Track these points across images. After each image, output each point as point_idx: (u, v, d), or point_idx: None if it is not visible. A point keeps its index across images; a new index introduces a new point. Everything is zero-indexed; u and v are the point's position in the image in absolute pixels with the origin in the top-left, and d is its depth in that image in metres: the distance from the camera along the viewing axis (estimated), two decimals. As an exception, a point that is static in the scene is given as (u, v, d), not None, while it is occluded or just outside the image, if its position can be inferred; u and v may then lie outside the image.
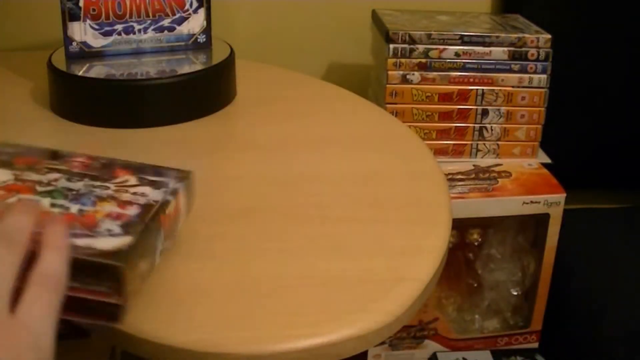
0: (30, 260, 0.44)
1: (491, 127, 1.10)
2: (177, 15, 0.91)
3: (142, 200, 0.53)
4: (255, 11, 1.24)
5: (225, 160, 0.78)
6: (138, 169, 0.58)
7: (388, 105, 1.07)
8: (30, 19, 1.17)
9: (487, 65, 1.07)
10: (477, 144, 1.10)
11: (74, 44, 0.88)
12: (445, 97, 1.07)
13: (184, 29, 0.92)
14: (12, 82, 0.97)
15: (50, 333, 0.42)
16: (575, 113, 1.29)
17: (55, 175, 0.56)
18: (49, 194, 0.53)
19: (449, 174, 1.07)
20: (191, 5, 0.91)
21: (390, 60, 1.05)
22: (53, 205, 0.52)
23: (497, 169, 1.10)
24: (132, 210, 0.52)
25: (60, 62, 0.88)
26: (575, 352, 1.09)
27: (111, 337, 0.53)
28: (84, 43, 0.88)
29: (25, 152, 0.58)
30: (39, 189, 0.53)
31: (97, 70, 0.86)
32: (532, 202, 1.05)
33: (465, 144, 1.10)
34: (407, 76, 1.06)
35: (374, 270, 0.59)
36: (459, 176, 1.07)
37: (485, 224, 1.11)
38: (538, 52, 1.07)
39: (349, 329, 0.53)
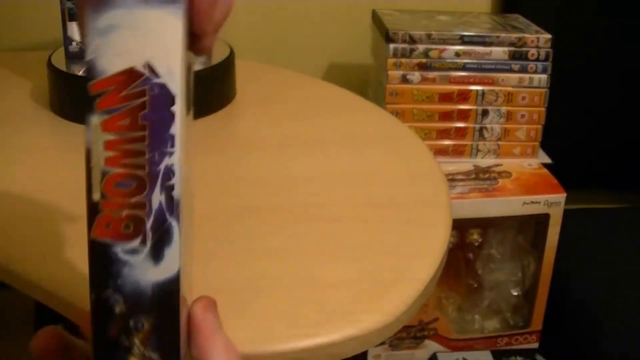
0: None
1: (491, 127, 1.10)
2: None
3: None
4: (255, 11, 1.24)
5: (225, 161, 0.78)
6: None
7: (388, 105, 1.07)
8: (30, 19, 1.17)
9: (487, 65, 1.07)
10: (478, 144, 1.10)
11: (74, 44, 0.88)
12: (446, 97, 1.07)
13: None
14: (12, 82, 0.97)
15: None
16: (576, 113, 1.29)
17: None
18: None
19: (449, 174, 1.07)
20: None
21: (390, 60, 1.05)
22: None
23: (497, 169, 1.10)
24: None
25: (60, 62, 0.88)
26: (575, 352, 1.09)
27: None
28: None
29: None
30: None
31: (97, 70, 0.86)
32: (532, 202, 1.05)
33: (466, 144, 1.10)
34: (407, 76, 1.06)
35: (374, 270, 0.59)
36: (459, 176, 1.07)
37: (485, 224, 1.11)
38: (538, 52, 1.07)
39: (349, 329, 0.53)
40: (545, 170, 1.10)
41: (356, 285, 0.57)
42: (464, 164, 1.10)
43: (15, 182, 0.71)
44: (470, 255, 1.13)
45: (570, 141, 1.29)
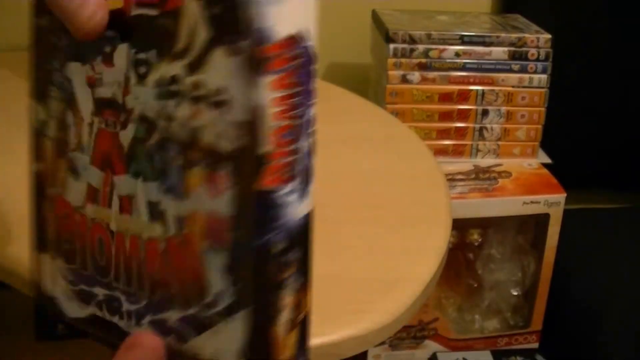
0: None
1: (491, 127, 1.10)
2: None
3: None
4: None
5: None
6: None
7: (388, 105, 1.07)
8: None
9: (487, 65, 1.07)
10: (477, 144, 1.10)
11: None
12: (445, 97, 1.07)
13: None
14: (12, 82, 0.97)
15: None
16: (576, 113, 1.29)
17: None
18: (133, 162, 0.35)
19: (449, 174, 1.07)
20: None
21: (390, 60, 1.05)
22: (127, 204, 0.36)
23: (497, 169, 1.10)
24: (225, 193, 0.33)
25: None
26: (575, 352, 1.09)
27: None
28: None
29: None
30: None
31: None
32: (532, 202, 1.05)
33: (466, 144, 1.10)
34: (407, 76, 1.06)
35: (374, 270, 0.59)
36: (459, 176, 1.07)
37: (485, 224, 1.11)
38: (538, 52, 1.07)
39: (349, 329, 0.53)
40: (545, 170, 1.10)
41: (356, 285, 0.57)
42: (464, 164, 1.10)
43: (16, 182, 0.71)
44: (470, 255, 1.14)
45: (570, 141, 1.29)
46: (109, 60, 0.35)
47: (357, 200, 0.70)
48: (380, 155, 0.80)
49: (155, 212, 0.35)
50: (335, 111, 0.93)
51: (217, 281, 0.34)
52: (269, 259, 0.33)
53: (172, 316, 0.35)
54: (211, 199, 0.33)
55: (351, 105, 0.95)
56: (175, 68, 0.33)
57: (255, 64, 0.31)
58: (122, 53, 0.34)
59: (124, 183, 0.36)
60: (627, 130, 1.31)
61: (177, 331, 0.35)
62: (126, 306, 0.37)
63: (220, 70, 0.32)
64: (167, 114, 0.34)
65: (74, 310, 0.39)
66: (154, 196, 0.35)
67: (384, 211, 0.68)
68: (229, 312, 0.34)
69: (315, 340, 0.52)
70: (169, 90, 0.33)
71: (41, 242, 0.40)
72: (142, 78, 0.34)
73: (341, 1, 1.25)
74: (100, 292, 0.37)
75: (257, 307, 0.33)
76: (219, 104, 0.32)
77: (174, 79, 0.33)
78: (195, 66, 0.32)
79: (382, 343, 1.12)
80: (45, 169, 0.39)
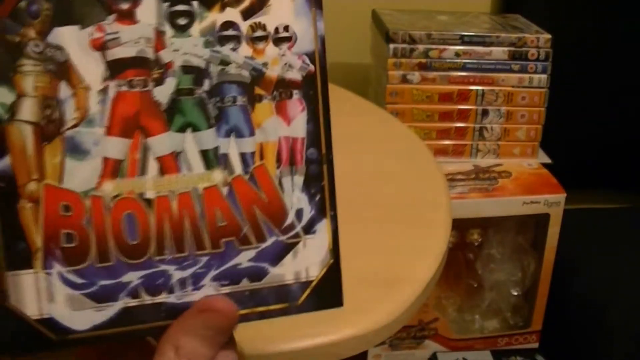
0: None
1: (491, 127, 1.10)
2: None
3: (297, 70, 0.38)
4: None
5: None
6: None
7: (388, 105, 1.07)
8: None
9: (487, 65, 1.07)
10: (477, 144, 1.10)
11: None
12: (446, 97, 1.07)
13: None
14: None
15: None
16: (575, 113, 1.29)
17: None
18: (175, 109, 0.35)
19: (449, 174, 1.07)
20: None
21: (390, 60, 1.05)
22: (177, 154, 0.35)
23: (497, 169, 1.10)
24: (299, 117, 0.40)
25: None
26: (575, 352, 1.09)
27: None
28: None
29: None
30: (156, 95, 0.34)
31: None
32: (532, 202, 1.05)
33: (466, 144, 1.10)
34: (407, 76, 1.06)
35: (374, 270, 0.59)
36: (459, 176, 1.07)
37: (485, 224, 1.11)
38: (538, 52, 1.07)
39: (349, 329, 0.53)
40: (545, 170, 1.10)
41: (356, 285, 0.57)
42: (464, 164, 1.10)
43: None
44: (470, 255, 1.13)
45: (570, 141, 1.29)
46: (129, 17, 0.34)
47: (357, 200, 0.70)
48: (380, 155, 0.80)
49: (213, 159, 0.36)
50: (335, 111, 0.92)
51: (295, 201, 0.38)
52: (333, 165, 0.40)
53: (244, 258, 0.36)
54: (284, 126, 0.38)
55: (351, 105, 0.95)
56: (229, 14, 0.35)
57: (318, 3, 0.36)
58: (150, 7, 0.34)
59: (164, 142, 0.35)
60: (627, 130, 1.31)
61: (251, 271, 0.37)
62: (177, 275, 0.35)
63: (282, 11, 0.36)
64: (221, 58, 0.35)
65: (86, 319, 0.34)
66: (210, 143, 0.36)
67: (383, 211, 0.68)
68: (308, 228, 0.38)
69: (315, 340, 0.52)
70: (222, 35, 0.35)
71: (14, 259, 0.33)
72: (183, 29, 0.35)
73: (341, 1, 1.25)
74: (133, 277, 0.35)
75: (335, 212, 0.40)
76: (282, 40, 0.36)
77: (228, 25, 0.35)
78: (254, 10, 0.35)
79: (382, 343, 1.12)
80: (17, 163, 0.33)
